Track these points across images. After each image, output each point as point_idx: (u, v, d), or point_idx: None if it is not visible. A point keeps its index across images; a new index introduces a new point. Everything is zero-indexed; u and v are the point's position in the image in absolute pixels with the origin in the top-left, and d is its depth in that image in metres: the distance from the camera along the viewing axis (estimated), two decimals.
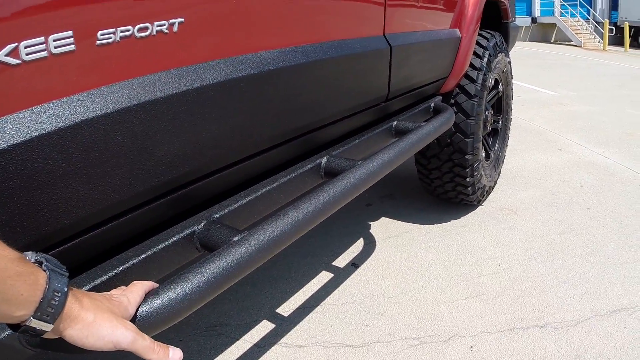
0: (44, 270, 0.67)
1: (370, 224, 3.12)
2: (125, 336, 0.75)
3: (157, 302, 0.88)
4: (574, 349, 1.98)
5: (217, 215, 1.20)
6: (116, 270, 1.01)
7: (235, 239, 1.06)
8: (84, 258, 1.04)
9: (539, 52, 15.78)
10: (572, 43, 21.13)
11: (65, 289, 0.68)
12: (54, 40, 0.82)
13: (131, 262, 1.04)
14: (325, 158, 1.54)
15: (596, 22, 22.55)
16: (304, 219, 1.18)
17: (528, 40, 22.46)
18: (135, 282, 0.90)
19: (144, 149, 1.01)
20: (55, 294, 0.66)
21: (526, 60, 13.16)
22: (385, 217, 3.22)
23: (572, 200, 3.41)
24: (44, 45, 0.81)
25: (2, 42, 0.76)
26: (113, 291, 0.86)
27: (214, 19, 1.11)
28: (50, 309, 0.66)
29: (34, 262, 0.68)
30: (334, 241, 2.90)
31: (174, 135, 1.07)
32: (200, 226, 1.17)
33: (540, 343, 2.02)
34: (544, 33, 23.59)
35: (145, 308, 0.86)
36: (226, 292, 2.36)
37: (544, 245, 2.77)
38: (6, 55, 0.76)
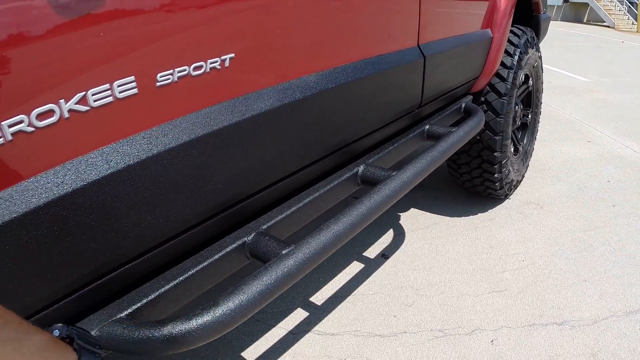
0: (75, 349, 0.66)
1: (399, 215, 3.22)
2: None
3: (218, 312, 1.00)
4: (589, 347, 2.07)
5: (264, 227, 1.32)
6: (178, 280, 1.15)
7: (284, 252, 1.18)
8: (151, 269, 1.18)
9: (570, 32, 15.46)
10: (604, 24, 20.64)
11: None
12: (118, 86, 0.93)
13: (191, 272, 1.17)
14: (362, 167, 1.65)
15: (630, 3, 21.93)
16: (344, 231, 1.29)
17: (560, 20, 21.96)
18: None
19: (203, 176, 1.14)
20: None
21: (557, 42, 12.93)
22: (414, 207, 3.32)
23: (598, 196, 3.46)
24: (110, 91, 0.92)
25: (72, 92, 0.86)
26: None
27: (260, 51, 1.22)
28: None
29: (65, 338, 0.67)
30: (364, 231, 3.00)
31: (229, 161, 1.18)
32: (250, 237, 1.29)
33: (558, 340, 2.11)
34: (576, 13, 23.06)
35: (207, 317, 0.99)
36: None
37: (568, 242, 2.84)
38: (76, 103, 0.87)
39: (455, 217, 3.16)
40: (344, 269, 2.66)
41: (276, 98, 1.25)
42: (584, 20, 22.65)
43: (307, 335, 2.19)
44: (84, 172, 0.91)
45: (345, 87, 1.47)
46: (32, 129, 0.82)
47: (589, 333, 2.15)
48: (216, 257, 1.22)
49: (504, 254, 2.74)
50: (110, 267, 1.04)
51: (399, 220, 3.16)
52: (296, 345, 2.14)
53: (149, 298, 1.11)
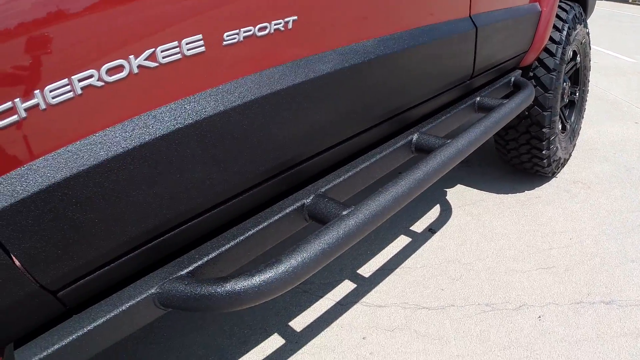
0: None
1: (446, 191, 3.22)
2: None
3: (281, 269, 1.03)
4: (636, 328, 2.05)
5: (323, 190, 1.35)
6: (238, 239, 1.18)
7: (344, 212, 1.21)
8: (212, 228, 1.21)
9: (615, 13, 14.99)
10: None
11: None
12: (187, 44, 0.97)
13: (251, 232, 1.21)
14: (416, 135, 1.66)
15: None
16: (402, 195, 1.31)
17: (605, 0, 21.30)
18: None
19: (265, 136, 1.17)
20: None
21: (603, 22, 12.57)
22: (461, 184, 3.31)
23: None
24: (178, 49, 0.95)
25: (141, 48, 0.90)
26: None
27: (323, 14, 1.24)
28: None
29: None
30: (412, 206, 3.02)
31: (290, 122, 1.21)
32: (309, 199, 1.32)
33: (605, 319, 2.09)
34: None
35: (270, 274, 1.01)
36: None
37: (616, 222, 2.79)
38: (145, 59, 0.91)
39: (502, 194, 3.14)
40: (391, 242, 2.68)
41: (337, 61, 1.27)
42: (630, 1, 21.92)
43: (354, 307, 2.22)
44: (151, 126, 0.95)
45: (401, 53, 1.48)
46: (102, 83, 0.86)
47: (637, 313, 2.12)
48: (276, 217, 1.25)
49: (551, 231, 2.72)
50: (173, 223, 1.08)
51: (446, 196, 3.16)
52: (344, 315, 2.17)
53: (210, 257, 1.14)
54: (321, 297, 2.29)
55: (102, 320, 0.99)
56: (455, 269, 2.44)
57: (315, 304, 2.25)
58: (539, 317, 2.12)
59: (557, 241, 2.63)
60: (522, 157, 2.97)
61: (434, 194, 3.18)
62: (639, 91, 5.57)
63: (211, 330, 2.14)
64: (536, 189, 3.18)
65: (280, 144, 1.21)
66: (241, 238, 1.19)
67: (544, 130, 2.69)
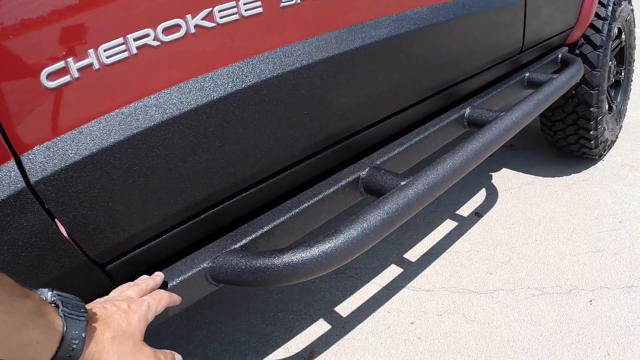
0: (60, 317, 0.66)
1: (491, 175, 3.15)
2: None
3: (340, 240, 0.99)
4: None
5: (378, 162, 1.32)
6: (294, 212, 1.15)
7: (402, 183, 1.17)
8: (267, 200, 1.19)
9: None
10: None
11: (83, 335, 0.67)
12: (244, 4, 0.94)
13: (306, 204, 1.18)
14: (468, 109, 1.61)
15: None
16: (459, 165, 1.27)
17: None
18: (159, 291, 0.91)
19: (321, 102, 1.14)
20: (73, 341, 0.65)
21: None
22: (506, 167, 3.23)
23: None
24: (235, 9, 0.92)
25: (198, 8, 0.87)
26: (137, 282, 0.90)
27: None
28: (68, 356, 0.65)
29: (51, 303, 0.67)
30: (457, 191, 2.96)
31: (346, 89, 1.18)
32: (364, 172, 1.28)
33: None
34: None
35: (329, 245, 0.98)
36: None
37: None
38: (202, 19, 0.88)
39: (549, 177, 3.05)
40: (437, 227, 2.63)
41: (392, 27, 1.23)
42: None
43: (401, 291, 2.18)
44: (208, 89, 0.92)
45: (454, 22, 1.44)
46: (158, 43, 0.83)
47: None
48: (331, 190, 1.23)
49: (600, 214, 2.63)
50: (227, 194, 1.06)
51: (491, 179, 3.09)
52: (391, 300, 2.14)
53: (264, 230, 1.11)
54: (367, 282, 2.26)
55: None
56: (503, 253, 2.37)
57: (361, 289, 2.22)
58: (590, 301, 2.04)
59: (606, 224, 2.54)
60: (569, 139, 2.88)
61: (479, 178, 3.11)
62: None
63: (255, 316, 2.13)
64: (583, 171, 3.08)
65: (336, 113, 1.19)
66: (296, 211, 1.17)
67: (591, 109, 2.61)
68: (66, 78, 0.75)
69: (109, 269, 0.93)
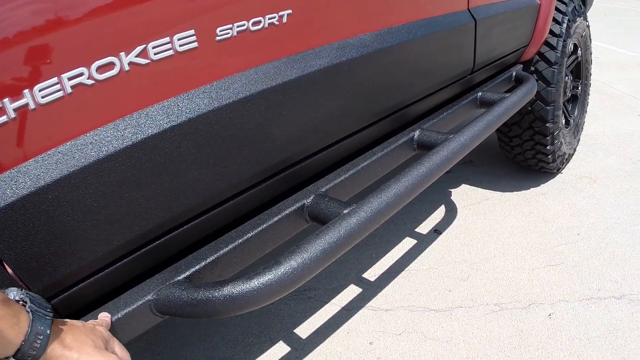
0: (27, 312, 0.68)
1: (450, 191, 3.17)
2: None
3: (280, 271, 0.98)
4: None
5: (323, 189, 1.30)
6: (236, 243, 1.13)
7: (345, 211, 1.16)
8: (210, 232, 1.17)
9: (615, 7, 14.94)
10: None
11: (48, 332, 0.69)
12: (179, 40, 0.92)
13: (249, 235, 1.16)
14: (417, 132, 1.61)
15: None
16: (405, 191, 1.27)
17: None
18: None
19: (261, 134, 1.12)
20: (38, 336, 0.67)
21: (602, 17, 12.52)
22: (465, 184, 3.26)
23: None
24: (170, 44, 0.91)
25: (131, 44, 0.86)
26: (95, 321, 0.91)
27: (319, 8, 1.20)
28: (32, 351, 0.66)
29: (19, 301, 0.69)
30: (416, 208, 2.97)
31: (287, 119, 1.17)
32: (309, 200, 1.27)
33: (617, 314, 2.04)
34: None
35: (269, 277, 0.96)
36: None
37: (623, 216, 2.74)
38: (136, 56, 0.87)
39: (507, 192, 3.09)
40: (396, 245, 2.63)
41: (334, 55, 1.23)
42: None
43: (361, 311, 2.17)
44: (144, 125, 0.91)
45: (399, 47, 1.44)
46: (92, 81, 0.82)
47: None
48: (275, 219, 1.21)
49: (558, 227, 2.67)
50: (168, 227, 1.04)
51: (450, 196, 3.11)
52: (350, 321, 2.12)
53: (207, 261, 1.09)
54: (326, 302, 2.24)
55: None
56: (462, 270, 2.39)
57: (320, 310, 2.20)
58: (550, 315, 2.06)
59: (565, 237, 2.58)
60: (526, 154, 2.92)
61: (438, 195, 3.13)
62: None
63: (215, 340, 2.10)
64: (541, 185, 3.13)
65: (277, 142, 1.17)
66: (239, 241, 1.15)
67: (547, 125, 2.65)
68: (3, 118, 0.74)
69: (55, 303, 0.92)
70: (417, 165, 1.35)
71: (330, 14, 1.25)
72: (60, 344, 0.72)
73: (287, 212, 1.23)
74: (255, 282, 0.95)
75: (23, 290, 0.71)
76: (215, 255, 1.11)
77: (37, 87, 0.76)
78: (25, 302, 0.69)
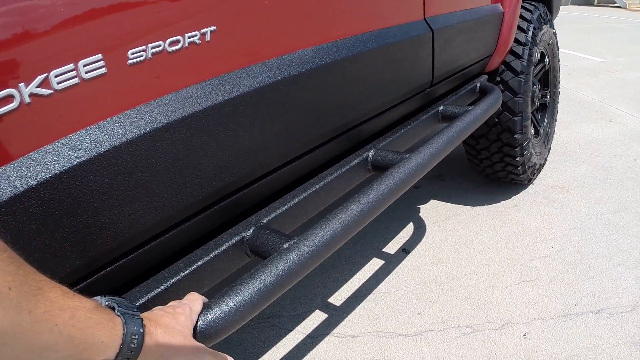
0: (118, 316, 0.70)
1: (419, 207, 3.08)
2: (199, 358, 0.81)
3: (211, 316, 0.89)
4: (629, 335, 1.92)
5: (265, 220, 1.19)
6: (169, 282, 1.02)
7: (285, 245, 1.05)
8: (138, 272, 1.05)
9: (581, 15, 15.18)
10: (616, 5, 20.13)
11: (142, 330, 0.71)
12: (84, 66, 0.81)
13: (183, 273, 1.05)
14: (372, 151, 1.51)
15: None
16: (353, 220, 1.16)
17: (570, 5, 21.60)
18: (192, 292, 0.95)
19: (188, 163, 1.01)
20: (133, 337, 0.69)
21: (569, 26, 12.67)
22: (434, 199, 3.16)
23: (625, 175, 3.27)
24: (75, 72, 0.79)
25: (31, 74, 0.74)
26: (172, 303, 0.91)
27: (247, 23, 1.08)
28: (130, 351, 0.68)
29: (107, 307, 0.71)
30: (383, 226, 2.88)
31: (217, 146, 1.06)
32: (249, 232, 1.16)
33: (596, 330, 1.96)
34: None
35: (200, 322, 0.87)
36: None
37: (598, 225, 2.67)
38: (37, 86, 0.75)
39: (478, 206, 3.00)
40: (363, 266, 2.52)
41: (267, 75, 1.11)
42: (595, 3, 22.13)
43: (326, 339, 2.06)
44: (49, 163, 0.79)
45: (346, 61, 1.33)
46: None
47: (629, 320, 1.99)
48: (212, 255, 1.09)
49: (531, 241, 2.59)
50: (90, 268, 0.92)
51: (419, 213, 3.01)
52: (315, 349, 2.01)
53: (140, 302, 0.98)
54: (290, 330, 2.13)
55: None
56: (432, 290, 2.28)
57: (284, 339, 2.08)
58: (524, 334, 1.97)
59: (538, 251, 2.50)
60: (495, 167, 2.84)
61: (407, 212, 3.03)
62: (610, 89, 5.53)
63: None
64: (512, 197, 3.05)
65: (210, 172, 1.05)
66: (172, 280, 1.03)
67: (515, 136, 2.57)
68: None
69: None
70: (368, 190, 1.25)
71: (262, 29, 1.13)
72: (153, 339, 0.73)
73: (224, 247, 1.12)
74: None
75: (107, 297, 0.74)
76: (146, 297, 0.99)
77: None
78: (114, 307, 0.72)
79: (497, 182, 3.18)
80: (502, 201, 3.02)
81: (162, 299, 1.01)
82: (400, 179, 1.31)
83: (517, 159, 2.68)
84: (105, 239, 0.90)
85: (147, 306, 0.99)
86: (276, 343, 2.07)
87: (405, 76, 1.66)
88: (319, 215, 1.32)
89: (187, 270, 1.05)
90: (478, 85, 2.26)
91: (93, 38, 0.81)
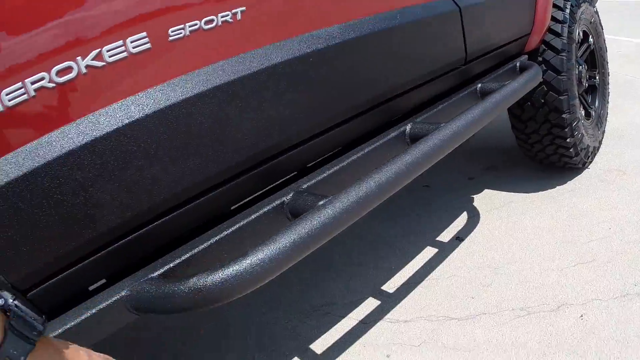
0: (5, 328, 0.59)
1: (472, 197, 3.04)
2: None
3: (246, 263, 0.93)
4: None
5: (304, 186, 1.24)
6: (212, 241, 1.09)
7: (321, 202, 1.10)
8: (188, 228, 1.13)
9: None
10: None
11: (22, 359, 0.59)
12: (131, 42, 0.93)
13: (226, 233, 1.12)
14: (409, 125, 1.53)
15: None
16: (387, 181, 1.18)
17: None
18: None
19: (229, 128, 1.09)
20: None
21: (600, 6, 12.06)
22: (488, 189, 3.11)
23: None
24: (123, 47, 0.93)
25: (87, 49, 0.88)
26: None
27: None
28: None
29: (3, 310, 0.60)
30: (436, 216, 2.87)
31: (255, 114, 1.13)
32: (289, 196, 1.21)
33: None
34: None
35: (235, 269, 0.92)
36: (332, 272, 2.47)
37: None
38: (92, 59, 0.89)
39: (532, 193, 2.93)
40: (416, 255, 2.53)
41: (302, 47, 1.20)
42: None
43: (378, 324, 2.07)
44: (102, 123, 0.92)
45: (373, 36, 1.37)
46: (53, 84, 0.86)
47: None
48: (253, 217, 1.17)
49: (588, 223, 2.51)
50: (139, 221, 1.02)
51: (472, 202, 2.98)
52: (367, 334, 2.03)
53: (182, 258, 1.07)
54: (343, 317, 2.16)
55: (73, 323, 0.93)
56: (486, 275, 2.26)
57: (337, 325, 2.12)
58: (581, 316, 1.91)
59: (596, 233, 2.42)
60: (547, 149, 2.77)
61: (459, 202, 3.01)
62: None
63: (230, 357, 2.06)
64: (568, 183, 2.96)
65: (249, 136, 1.13)
66: (216, 239, 1.11)
67: (563, 116, 2.52)
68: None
69: (32, 295, 0.92)
70: (402, 154, 1.27)
71: (294, 5, 1.21)
72: None
73: (265, 209, 1.19)
74: (221, 275, 0.92)
75: (15, 301, 0.61)
76: (191, 253, 1.08)
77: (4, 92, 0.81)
78: (8, 314, 0.60)
79: (551, 168, 3.10)
80: (558, 187, 2.94)
81: (207, 255, 1.10)
82: (435, 144, 1.33)
83: (568, 140, 2.62)
84: (160, 190, 1.00)
85: (191, 262, 1.07)
86: (328, 329, 2.10)
87: (435, 52, 1.67)
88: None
89: (230, 230, 1.12)
90: (518, 64, 2.24)
91: (139, 19, 0.95)
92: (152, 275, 1.02)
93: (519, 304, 2.04)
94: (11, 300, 0.60)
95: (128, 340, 2.29)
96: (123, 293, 0.99)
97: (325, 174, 1.29)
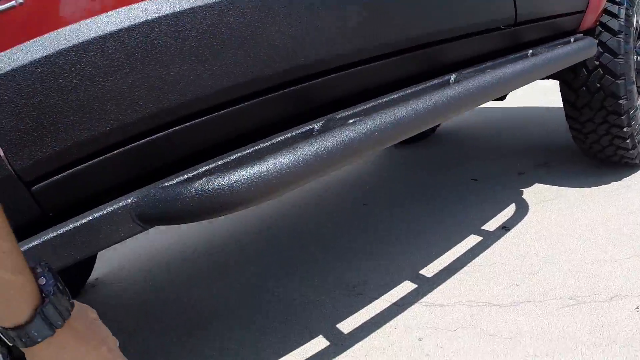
0: (35, 312, 0.58)
1: (522, 191, 2.91)
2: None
3: (261, 167, 0.85)
4: None
5: (338, 117, 1.17)
6: (231, 157, 1.02)
7: (350, 121, 1.02)
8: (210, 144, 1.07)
9: None
10: None
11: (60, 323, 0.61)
12: None
13: (248, 151, 1.04)
14: (454, 75, 1.43)
15: None
16: (424, 108, 1.09)
17: None
18: None
19: (263, 32, 1.03)
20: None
21: None
22: (539, 183, 2.97)
23: None
24: None
25: None
26: None
27: None
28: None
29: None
30: (482, 207, 2.76)
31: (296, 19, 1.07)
32: (319, 124, 1.13)
33: None
34: None
35: (249, 171, 0.84)
36: (369, 253, 2.41)
37: None
38: None
39: (585, 187, 2.76)
40: (459, 242, 2.41)
41: None
42: None
43: (412, 307, 1.95)
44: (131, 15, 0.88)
45: None
46: None
47: None
48: (279, 139, 1.08)
49: None
50: (153, 124, 0.96)
51: (521, 195, 2.85)
52: (399, 316, 1.92)
53: (196, 172, 0.99)
54: (376, 298, 2.05)
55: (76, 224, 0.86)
56: (533, 264, 2.11)
57: (368, 306, 2.02)
58: (637, 307, 1.74)
59: None
60: (602, 141, 2.61)
61: (508, 195, 2.87)
62: None
63: (254, 328, 2.03)
64: (624, 178, 2.78)
65: (281, 47, 1.07)
66: (235, 156, 1.03)
67: (620, 102, 2.36)
68: None
69: (36, 190, 0.87)
70: (445, 88, 1.17)
71: None
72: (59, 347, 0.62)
73: (295, 132, 1.11)
74: (232, 177, 0.84)
75: (56, 285, 0.61)
76: (207, 167, 1.00)
77: None
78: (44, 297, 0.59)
79: (606, 163, 2.93)
80: (612, 182, 2.76)
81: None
82: (479, 84, 1.23)
83: (625, 129, 2.46)
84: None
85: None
86: (359, 309, 2.01)
87: (483, 3, 1.57)
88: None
89: (251, 149, 1.04)
90: (572, 39, 2.11)
91: None
92: (163, 185, 0.94)
93: (568, 293, 1.88)
94: (52, 283, 0.60)
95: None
96: (129, 200, 0.91)
97: (361, 107, 1.21)
